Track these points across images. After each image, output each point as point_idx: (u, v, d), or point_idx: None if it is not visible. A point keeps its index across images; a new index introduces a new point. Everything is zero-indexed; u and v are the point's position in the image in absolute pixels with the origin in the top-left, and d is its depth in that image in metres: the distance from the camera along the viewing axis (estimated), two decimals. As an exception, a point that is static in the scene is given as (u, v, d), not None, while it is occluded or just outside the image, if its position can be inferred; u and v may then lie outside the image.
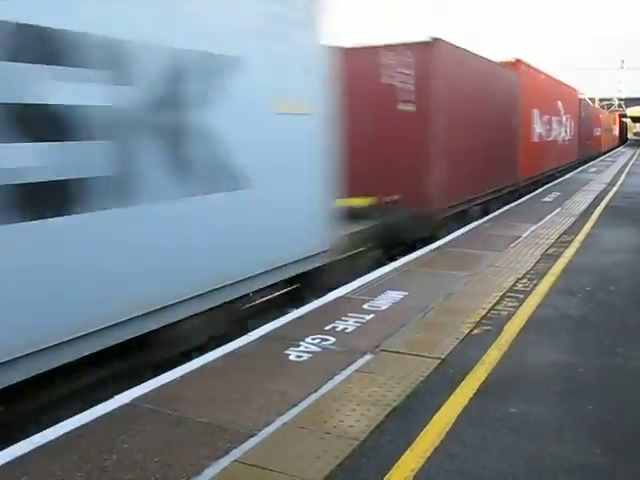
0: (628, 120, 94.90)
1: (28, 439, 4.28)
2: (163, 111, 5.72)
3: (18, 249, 4.60)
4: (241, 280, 6.80)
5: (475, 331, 6.47)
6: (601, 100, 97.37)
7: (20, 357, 4.62)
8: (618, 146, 68.83)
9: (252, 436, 4.30)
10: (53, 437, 4.31)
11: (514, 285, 8.32)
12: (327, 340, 6.15)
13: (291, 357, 5.75)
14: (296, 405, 4.76)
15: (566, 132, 29.41)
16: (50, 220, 4.74)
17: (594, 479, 3.85)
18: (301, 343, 6.06)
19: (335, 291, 8.03)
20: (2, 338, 4.52)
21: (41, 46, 4.65)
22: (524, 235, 12.20)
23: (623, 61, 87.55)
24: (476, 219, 14.56)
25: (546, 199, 18.66)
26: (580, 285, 8.34)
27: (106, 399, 4.92)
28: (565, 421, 4.57)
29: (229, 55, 6.44)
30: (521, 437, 4.33)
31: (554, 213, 15.38)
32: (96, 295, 5.20)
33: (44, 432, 4.39)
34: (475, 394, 4.99)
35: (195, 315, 6.25)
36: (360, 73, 11.81)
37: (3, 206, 4.43)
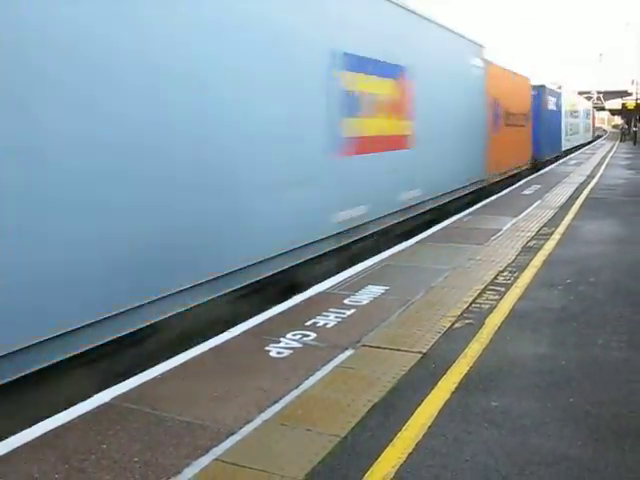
0: (607, 113, 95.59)
1: (4, 441, 4.22)
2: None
3: None
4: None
5: (456, 325, 6.46)
6: (580, 93, 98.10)
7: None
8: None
9: (233, 434, 4.26)
10: (30, 438, 4.25)
11: (495, 278, 8.33)
12: (308, 336, 6.12)
13: (272, 353, 5.72)
14: (277, 402, 4.73)
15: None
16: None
17: (577, 470, 3.84)
18: (282, 339, 6.03)
19: (316, 286, 8.00)
20: None
21: None
22: (505, 228, 12.23)
23: (601, 55, 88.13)
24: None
25: (526, 192, 18.73)
26: (561, 277, 8.36)
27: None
28: (547, 413, 4.57)
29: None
30: (503, 430, 4.33)
31: (534, 205, 15.44)
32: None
33: (21, 433, 4.32)
34: (457, 388, 4.98)
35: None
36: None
37: None
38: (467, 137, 16.66)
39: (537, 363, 5.54)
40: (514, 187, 20.32)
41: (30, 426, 4.41)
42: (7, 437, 4.28)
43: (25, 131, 4.83)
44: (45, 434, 4.31)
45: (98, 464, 3.93)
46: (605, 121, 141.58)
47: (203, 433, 4.28)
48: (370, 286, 7.93)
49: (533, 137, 28.45)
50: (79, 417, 4.55)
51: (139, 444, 4.16)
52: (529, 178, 23.29)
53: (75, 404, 4.78)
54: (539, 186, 20.13)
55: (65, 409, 4.68)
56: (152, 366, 5.49)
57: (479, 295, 7.51)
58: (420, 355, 5.64)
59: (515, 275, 8.48)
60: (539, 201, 16.33)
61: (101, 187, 5.43)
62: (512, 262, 9.26)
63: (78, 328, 5.27)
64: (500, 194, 18.45)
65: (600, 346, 5.89)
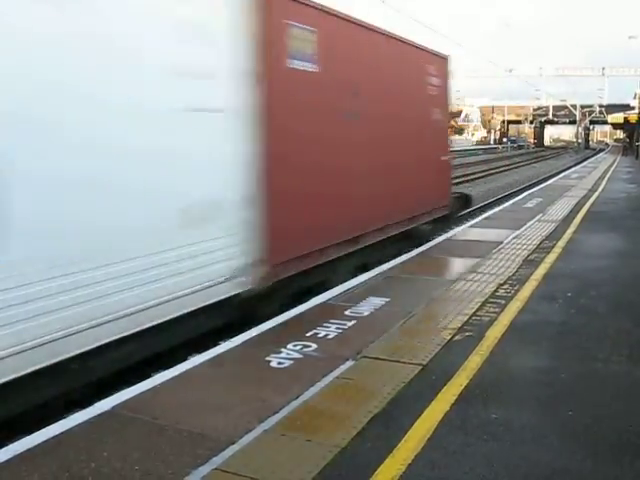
0: (609, 127, 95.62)
1: (5, 447, 4.24)
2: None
3: None
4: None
5: (457, 337, 6.47)
6: (583, 107, 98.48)
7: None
8: None
9: (232, 443, 4.27)
10: (31, 445, 4.26)
11: (496, 291, 8.34)
12: (309, 346, 6.13)
13: (272, 363, 5.73)
14: (277, 412, 4.74)
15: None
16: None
17: (575, 485, 3.87)
18: (283, 349, 6.04)
19: (317, 297, 8.02)
20: None
21: None
22: (506, 241, 12.24)
23: (604, 68, 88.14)
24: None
25: (528, 205, 18.74)
26: (561, 291, 8.37)
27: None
28: (546, 426, 4.58)
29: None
30: (503, 443, 4.34)
31: (536, 219, 15.44)
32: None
33: (22, 440, 4.34)
34: (457, 400, 4.99)
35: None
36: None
37: None
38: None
39: (537, 376, 5.55)
40: (516, 200, 20.34)
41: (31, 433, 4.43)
42: (7, 444, 4.30)
43: None
44: (46, 441, 4.32)
45: (99, 472, 3.95)
46: (607, 135, 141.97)
47: (203, 442, 4.30)
48: (371, 297, 7.94)
49: None
50: (80, 425, 4.56)
51: (139, 453, 4.17)
52: (531, 191, 23.31)
53: (76, 412, 4.81)
54: (541, 199, 20.14)
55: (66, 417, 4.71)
56: (153, 374, 5.51)
57: (480, 308, 7.52)
58: (420, 367, 5.65)
59: (516, 288, 8.49)
60: (541, 214, 16.33)
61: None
62: (513, 275, 9.26)
63: None
64: (502, 207, 18.47)
65: (600, 360, 5.89)
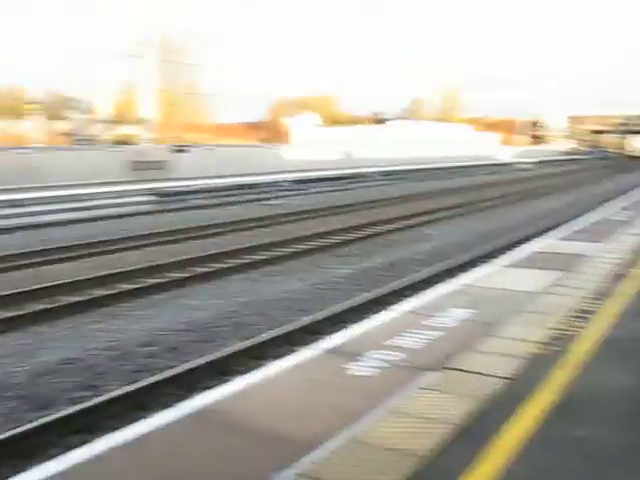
0: None
1: (87, 445, 4.35)
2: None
3: None
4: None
5: (542, 351, 6.31)
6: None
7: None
8: None
9: (313, 449, 4.26)
10: (111, 445, 4.35)
11: (582, 305, 8.09)
12: (390, 355, 6.08)
13: (354, 372, 5.70)
14: (359, 420, 4.71)
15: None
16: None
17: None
18: (364, 358, 6.01)
19: (399, 306, 7.96)
20: None
21: None
22: (594, 254, 11.88)
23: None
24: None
25: (617, 218, 18.20)
26: (654, 306, 8.06)
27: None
28: (637, 446, 4.41)
29: None
30: (590, 461, 4.19)
31: (626, 232, 14.95)
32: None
33: (101, 440, 4.45)
34: (543, 416, 4.85)
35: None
36: None
37: None
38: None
39: (626, 394, 5.36)
40: (605, 213, 19.80)
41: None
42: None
43: None
44: (127, 441, 4.41)
45: (178, 475, 4.00)
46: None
47: (283, 447, 4.30)
48: (454, 309, 7.82)
49: None
50: (161, 426, 4.64)
51: (220, 456, 4.22)
52: (622, 204, 22.63)
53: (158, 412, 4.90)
54: (632, 212, 19.54)
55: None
56: (234, 379, 5.57)
57: (565, 322, 7.31)
58: (505, 380, 5.52)
59: (603, 302, 8.22)
60: (631, 227, 15.82)
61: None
62: (600, 289, 8.98)
63: None
64: (591, 220, 17.99)
65: (696, 379, 5.65)
